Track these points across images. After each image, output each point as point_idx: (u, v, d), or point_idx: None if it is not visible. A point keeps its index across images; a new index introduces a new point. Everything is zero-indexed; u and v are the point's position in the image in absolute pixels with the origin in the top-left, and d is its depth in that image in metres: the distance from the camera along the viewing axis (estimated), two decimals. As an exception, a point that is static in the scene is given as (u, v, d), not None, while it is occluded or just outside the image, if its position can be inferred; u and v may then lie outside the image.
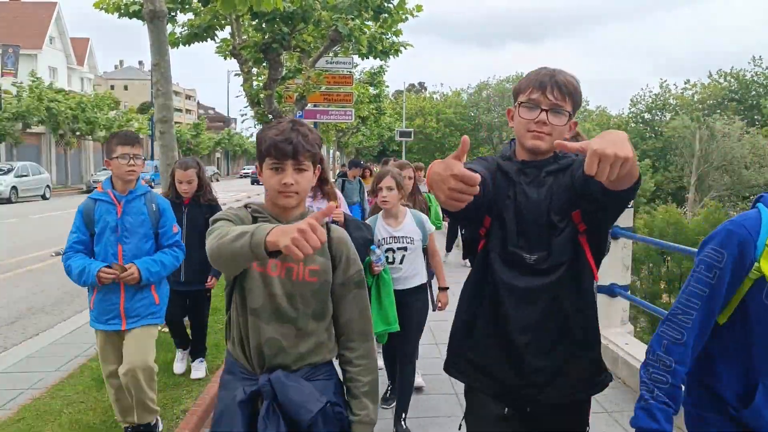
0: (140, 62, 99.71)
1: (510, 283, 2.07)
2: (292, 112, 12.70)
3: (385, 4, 9.96)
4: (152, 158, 51.73)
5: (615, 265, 5.54)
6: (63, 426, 3.89)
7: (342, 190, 9.03)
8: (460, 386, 4.68)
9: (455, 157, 1.57)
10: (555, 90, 2.02)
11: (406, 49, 12.23)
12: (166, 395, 4.37)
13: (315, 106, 16.53)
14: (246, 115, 13.17)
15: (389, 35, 11.89)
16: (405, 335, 4.02)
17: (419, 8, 10.70)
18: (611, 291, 5.52)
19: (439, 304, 4.25)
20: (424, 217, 4.20)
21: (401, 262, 4.02)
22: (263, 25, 10.20)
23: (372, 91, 24.80)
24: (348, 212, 4.57)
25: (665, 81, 74.05)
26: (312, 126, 2.36)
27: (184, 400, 4.31)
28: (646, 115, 57.79)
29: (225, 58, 11.69)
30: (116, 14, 9.82)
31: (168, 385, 4.55)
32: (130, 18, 9.83)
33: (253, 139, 74.26)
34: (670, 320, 1.81)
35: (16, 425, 3.92)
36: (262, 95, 11.52)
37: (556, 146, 1.59)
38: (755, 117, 51.59)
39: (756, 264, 1.72)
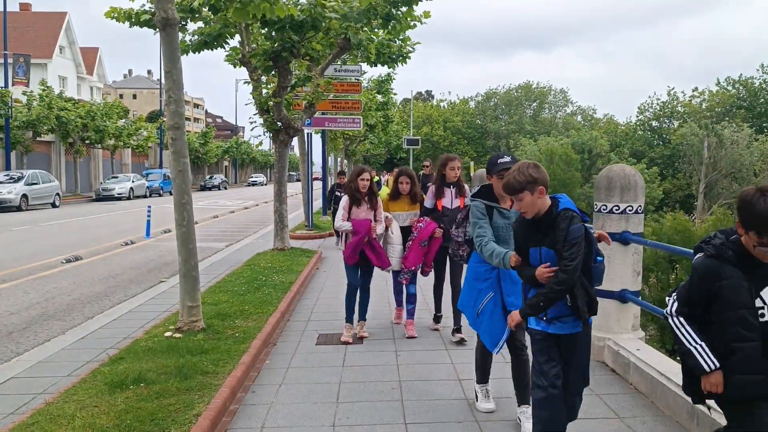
0: (149, 71, 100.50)
1: None
2: (300, 120, 12.76)
3: (394, 12, 9.98)
4: (161, 166, 52.10)
5: (626, 271, 5.52)
6: (77, 429, 3.91)
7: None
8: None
9: None
10: None
11: (413, 50, 12.24)
12: (178, 399, 4.39)
13: (323, 113, 16.60)
14: (255, 122, 13.24)
15: (396, 41, 11.93)
16: None
17: (427, 14, 10.72)
18: (622, 297, 5.50)
19: None
20: None
21: None
22: (273, 34, 10.26)
23: (380, 98, 24.88)
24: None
25: (673, 89, 73.76)
26: None
27: (197, 404, 4.32)
28: (654, 123, 57.63)
29: (234, 66, 11.77)
30: (127, 23, 9.90)
31: (180, 390, 4.57)
32: (141, 27, 9.91)
33: (263, 147, 73.19)
34: None
35: (29, 429, 3.94)
36: (271, 103, 11.58)
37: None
38: (764, 125, 51.40)
39: None
